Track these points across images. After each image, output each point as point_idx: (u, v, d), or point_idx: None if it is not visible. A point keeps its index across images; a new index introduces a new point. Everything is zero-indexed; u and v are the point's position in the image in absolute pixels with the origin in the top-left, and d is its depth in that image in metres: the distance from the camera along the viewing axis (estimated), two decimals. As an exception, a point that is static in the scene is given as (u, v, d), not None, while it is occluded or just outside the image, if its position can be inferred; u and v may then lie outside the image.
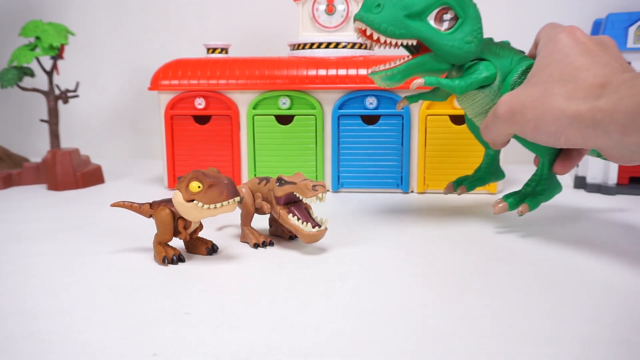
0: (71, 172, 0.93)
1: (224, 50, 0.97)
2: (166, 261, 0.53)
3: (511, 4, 1.22)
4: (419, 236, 0.63)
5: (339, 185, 0.90)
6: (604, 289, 0.47)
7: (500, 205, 0.62)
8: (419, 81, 0.59)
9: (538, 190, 0.63)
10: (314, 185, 0.54)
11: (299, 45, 0.93)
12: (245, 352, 0.36)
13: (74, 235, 0.64)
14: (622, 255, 0.56)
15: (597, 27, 0.98)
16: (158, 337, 0.38)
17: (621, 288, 0.47)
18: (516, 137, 0.61)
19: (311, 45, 0.92)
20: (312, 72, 0.87)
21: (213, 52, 0.96)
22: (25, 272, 0.51)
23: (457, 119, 0.85)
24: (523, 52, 0.64)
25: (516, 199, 0.63)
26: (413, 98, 0.69)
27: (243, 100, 0.89)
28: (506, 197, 0.63)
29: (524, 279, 0.49)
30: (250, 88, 0.88)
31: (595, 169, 0.90)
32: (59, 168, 0.92)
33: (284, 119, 0.89)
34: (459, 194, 0.73)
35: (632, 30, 0.87)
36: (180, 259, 0.54)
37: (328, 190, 0.90)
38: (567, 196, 0.87)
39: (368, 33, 0.58)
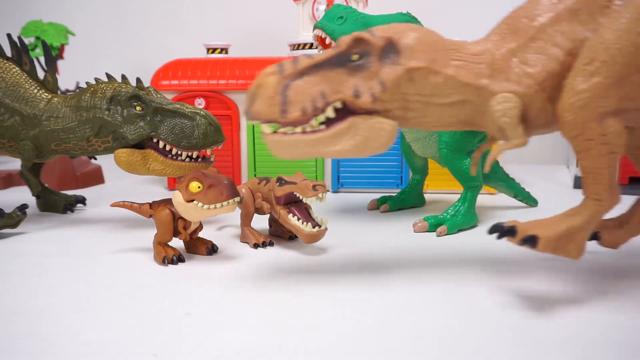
0: (71, 172, 0.93)
1: (224, 50, 0.97)
2: (166, 261, 0.53)
3: (512, 3, 1.22)
4: (419, 236, 0.63)
5: (339, 185, 0.90)
6: (604, 289, 0.47)
7: (420, 224, 0.65)
8: None
9: (457, 217, 0.65)
10: (314, 185, 0.54)
11: (299, 45, 0.93)
12: (245, 352, 0.36)
13: (74, 235, 0.64)
14: (622, 255, 0.56)
15: (597, 27, 0.97)
16: (158, 337, 0.38)
17: (621, 288, 0.47)
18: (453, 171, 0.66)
19: (311, 46, 0.92)
20: (312, 72, 0.87)
21: (213, 52, 0.96)
22: (25, 272, 0.51)
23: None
24: None
25: (436, 220, 0.65)
26: None
27: (243, 100, 0.89)
28: (427, 218, 0.65)
29: (524, 279, 0.49)
30: (250, 88, 0.88)
31: (595, 169, 0.90)
32: (59, 168, 0.92)
33: (284, 119, 0.89)
34: (382, 212, 0.75)
35: (632, 30, 0.86)
36: (180, 259, 0.54)
37: (328, 191, 0.90)
38: (567, 196, 0.87)
39: (327, 42, 0.61)
